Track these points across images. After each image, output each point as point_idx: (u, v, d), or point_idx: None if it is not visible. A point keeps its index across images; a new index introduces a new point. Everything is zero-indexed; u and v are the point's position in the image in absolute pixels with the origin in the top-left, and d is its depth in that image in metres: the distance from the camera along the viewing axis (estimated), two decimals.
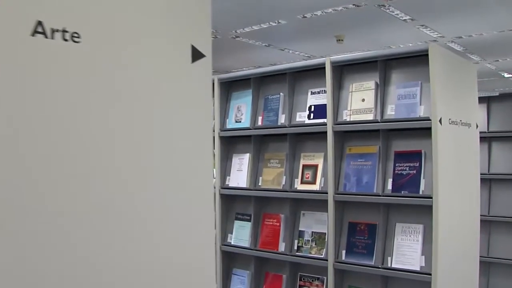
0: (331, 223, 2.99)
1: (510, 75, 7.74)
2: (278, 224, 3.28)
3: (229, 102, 3.56)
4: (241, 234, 3.42)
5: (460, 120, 2.95)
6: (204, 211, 1.51)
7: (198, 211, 1.49)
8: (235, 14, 4.44)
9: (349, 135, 3.06)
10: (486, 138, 4.65)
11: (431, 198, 2.64)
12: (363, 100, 2.97)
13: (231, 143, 3.56)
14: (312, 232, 3.14)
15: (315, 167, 3.14)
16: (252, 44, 5.67)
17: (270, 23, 4.53)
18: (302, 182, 3.16)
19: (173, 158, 1.44)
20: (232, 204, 3.54)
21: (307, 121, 3.15)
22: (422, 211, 2.74)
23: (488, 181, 4.57)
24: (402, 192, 2.80)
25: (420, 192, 2.74)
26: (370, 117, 2.92)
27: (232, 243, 3.45)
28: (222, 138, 3.52)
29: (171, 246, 1.42)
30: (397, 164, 2.87)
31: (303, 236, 3.17)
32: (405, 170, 2.83)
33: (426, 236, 2.75)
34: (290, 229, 3.21)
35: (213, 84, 3.54)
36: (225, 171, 3.53)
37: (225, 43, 5.60)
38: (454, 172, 2.84)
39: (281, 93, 3.29)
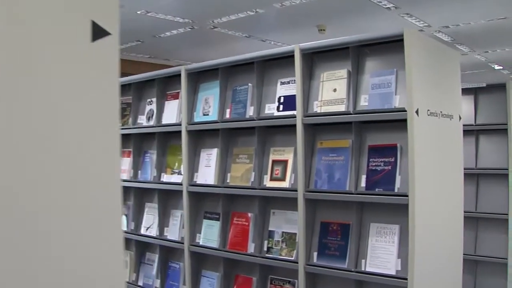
0: (302, 223, 2.68)
1: (501, 67, 7.40)
2: (247, 223, 2.98)
3: (197, 94, 3.25)
4: (210, 234, 3.12)
5: (441, 112, 2.63)
6: (107, 215, 1.21)
7: (99, 214, 1.19)
8: (211, 3, 4.15)
9: (320, 128, 2.75)
10: (473, 131, 4.32)
11: (407, 196, 2.34)
12: (335, 90, 2.66)
13: (199, 137, 3.25)
14: (283, 232, 2.84)
15: (285, 162, 2.83)
16: (232, 35, 5.38)
17: (248, 12, 4.24)
18: (271, 179, 2.86)
19: (64, 154, 1.13)
20: (200, 202, 3.24)
21: (276, 113, 2.84)
22: (398, 210, 2.43)
23: (475, 176, 4.25)
24: (376, 189, 2.49)
25: (396, 190, 2.44)
26: (342, 108, 2.61)
27: (201, 243, 3.15)
28: (189, 132, 3.20)
29: (68, 253, 1.11)
30: (371, 159, 2.56)
31: (273, 237, 2.87)
32: (380, 165, 2.52)
33: (403, 238, 2.44)
34: (259, 229, 2.90)
35: (181, 75, 3.24)
36: (193, 167, 3.23)
37: (204, 34, 5.30)
38: (434, 167, 2.53)
39: (249, 84, 2.98)
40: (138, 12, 4.17)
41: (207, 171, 3.13)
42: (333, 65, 2.72)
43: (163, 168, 3.40)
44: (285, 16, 4.26)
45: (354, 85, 2.60)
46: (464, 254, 4.15)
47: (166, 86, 3.45)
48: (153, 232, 3.42)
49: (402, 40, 2.38)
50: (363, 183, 2.55)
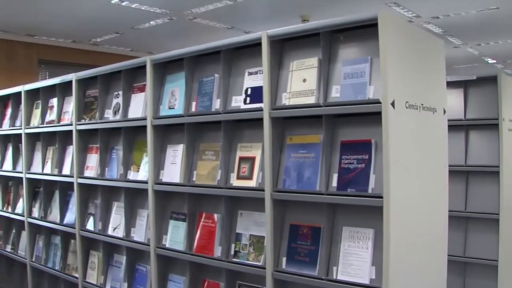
0: (269, 226, 2.38)
1: (494, 61, 7.03)
2: (213, 225, 2.68)
3: (164, 86, 2.95)
4: (176, 236, 2.83)
5: (422, 104, 2.32)
6: None
7: None
8: None
9: (290, 122, 2.45)
10: (463, 127, 3.99)
11: (382, 197, 2.04)
12: (304, 80, 2.35)
13: (165, 132, 2.95)
14: (250, 235, 2.54)
15: (252, 159, 2.53)
16: (213, 27, 5.07)
17: (226, 1, 3.94)
18: (238, 178, 2.55)
19: None
20: (167, 201, 2.93)
21: (243, 106, 2.54)
22: (373, 213, 2.13)
23: (465, 173, 3.93)
24: (349, 190, 2.19)
25: (369, 191, 2.13)
26: (311, 100, 2.30)
27: (167, 245, 2.86)
28: (155, 127, 2.90)
29: None
30: (343, 157, 2.25)
31: (240, 240, 2.57)
32: (353, 163, 2.21)
33: (377, 243, 2.14)
34: (226, 232, 2.61)
35: (146, 66, 2.94)
36: (159, 164, 2.93)
37: (184, 26, 4.98)
38: (413, 165, 2.23)
39: (215, 75, 2.68)
40: (113, 2, 3.87)
41: (173, 169, 2.83)
42: (304, 54, 2.41)
43: (129, 165, 3.11)
44: (267, 6, 3.95)
45: (325, 74, 2.30)
46: (453, 256, 3.85)
47: (133, 78, 3.15)
48: (120, 232, 3.13)
49: (377, 24, 2.08)
50: (334, 183, 2.25)
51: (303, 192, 2.29)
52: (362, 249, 2.19)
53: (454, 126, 3.97)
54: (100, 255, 3.30)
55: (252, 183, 2.49)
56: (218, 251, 2.62)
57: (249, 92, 2.52)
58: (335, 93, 2.27)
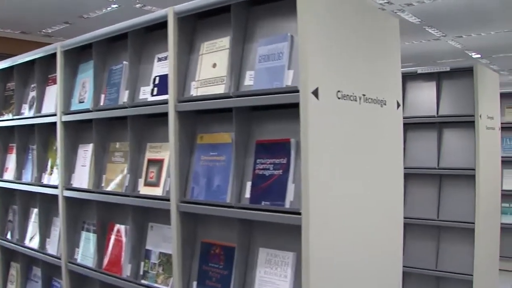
0: (176, 243, 1.83)
1: (479, 55, 6.31)
2: (122, 239, 2.15)
3: (76, 76, 2.42)
4: (87, 250, 2.30)
5: (364, 95, 1.76)
6: None
7: None
8: None
9: (202, 117, 1.89)
10: (435, 124, 3.40)
11: (300, 214, 1.49)
12: (214, 65, 1.80)
13: (78, 130, 2.42)
14: (160, 252, 2.00)
15: (160, 162, 1.99)
16: None
17: None
18: (145, 184, 2.02)
19: None
20: (79, 209, 2.40)
21: (151, 98, 2.00)
22: (293, 233, 1.57)
23: (438, 177, 3.34)
24: (263, 203, 1.65)
25: (287, 204, 1.57)
26: (221, 89, 1.75)
27: (79, 260, 2.34)
28: (65, 124, 2.37)
29: None
30: (258, 160, 1.70)
31: (149, 258, 2.04)
32: (269, 169, 1.67)
33: (299, 270, 1.59)
34: (135, 247, 2.06)
35: (56, 54, 2.41)
36: (70, 166, 2.40)
37: (134, 15, 4.36)
38: (348, 170, 1.67)
39: (124, 62, 2.14)
40: None
41: (83, 172, 2.30)
42: (217, 33, 1.86)
43: (44, 168, 2.59)
44: None
45: (238, 58, 1.74)
46: (424, 269, 3.26)
47: (49, 68, 2.62)
48: (35, 243, 2.61)
49: None
50: (247, 193, 1.71)
51: (211, 204, 1.75)
52: (280, 278, 1.64)
53: (425, 124, 3.39)
54: (19, 267, 2.79)
55: (159, 191, 1.94)
56: (127, 270, 2.08)
57: (157, 82, 1.98)
58: (249, 81, 1.71)
